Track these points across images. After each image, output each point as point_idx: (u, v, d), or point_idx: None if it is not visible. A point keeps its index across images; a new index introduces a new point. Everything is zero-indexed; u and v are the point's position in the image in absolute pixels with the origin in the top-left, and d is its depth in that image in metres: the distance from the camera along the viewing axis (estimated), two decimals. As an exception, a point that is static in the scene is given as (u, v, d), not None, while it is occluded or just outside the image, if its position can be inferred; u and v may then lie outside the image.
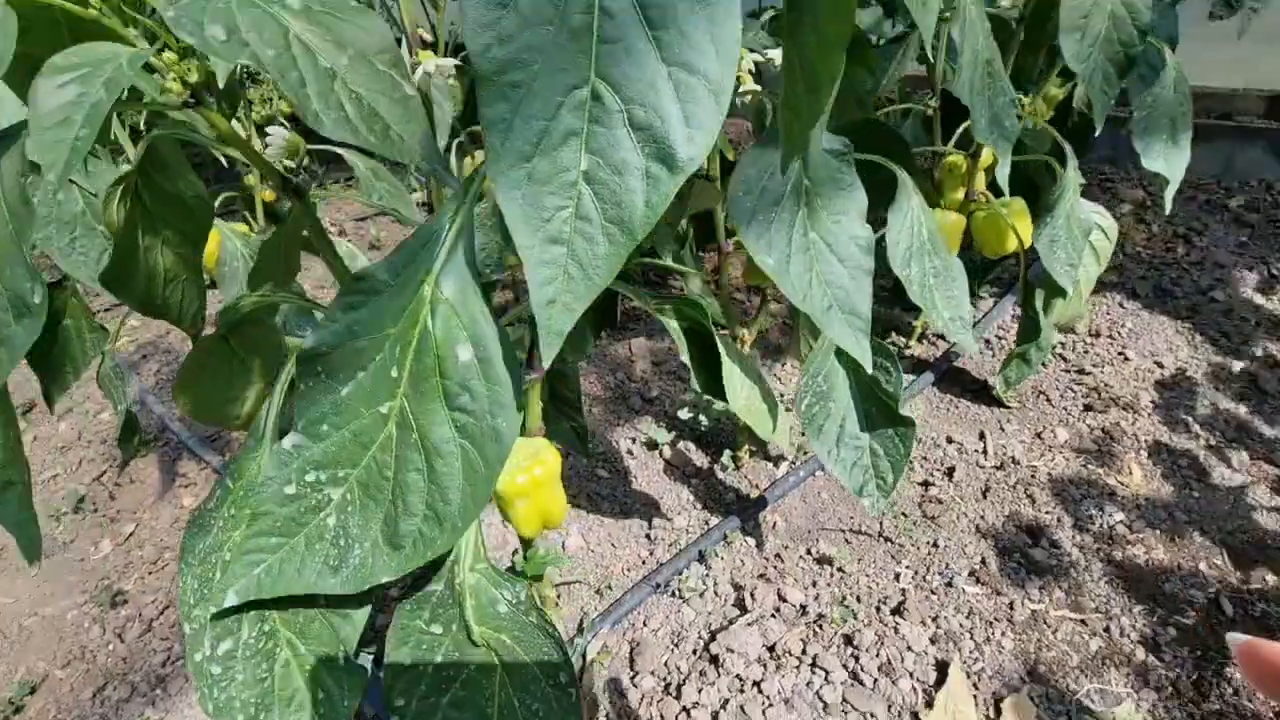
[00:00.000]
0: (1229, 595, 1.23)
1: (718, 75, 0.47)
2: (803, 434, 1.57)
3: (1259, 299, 2.02)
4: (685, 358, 0.96)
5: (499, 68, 0.46)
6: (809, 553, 1.37)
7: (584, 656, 1.19)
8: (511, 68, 0.46)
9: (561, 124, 0.48)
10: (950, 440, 1.59)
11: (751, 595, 1.25)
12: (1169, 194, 1.38)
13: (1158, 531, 1.36)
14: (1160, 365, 1.78)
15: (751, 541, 1.40)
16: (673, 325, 0.97)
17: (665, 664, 1.17)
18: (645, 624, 1.25)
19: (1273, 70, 2.58)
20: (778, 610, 1.24)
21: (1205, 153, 2.60)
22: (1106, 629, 1.20)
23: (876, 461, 1.13)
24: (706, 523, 1.45)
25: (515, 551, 1.39)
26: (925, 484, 1.50)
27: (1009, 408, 1.68)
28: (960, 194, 1.65)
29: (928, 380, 1.76)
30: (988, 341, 1.94)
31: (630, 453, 1.66)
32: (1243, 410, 1.64)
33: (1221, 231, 2.33)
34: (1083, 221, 1.39)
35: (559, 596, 1.31)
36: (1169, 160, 1.37)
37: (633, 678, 1.16)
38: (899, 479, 1.09)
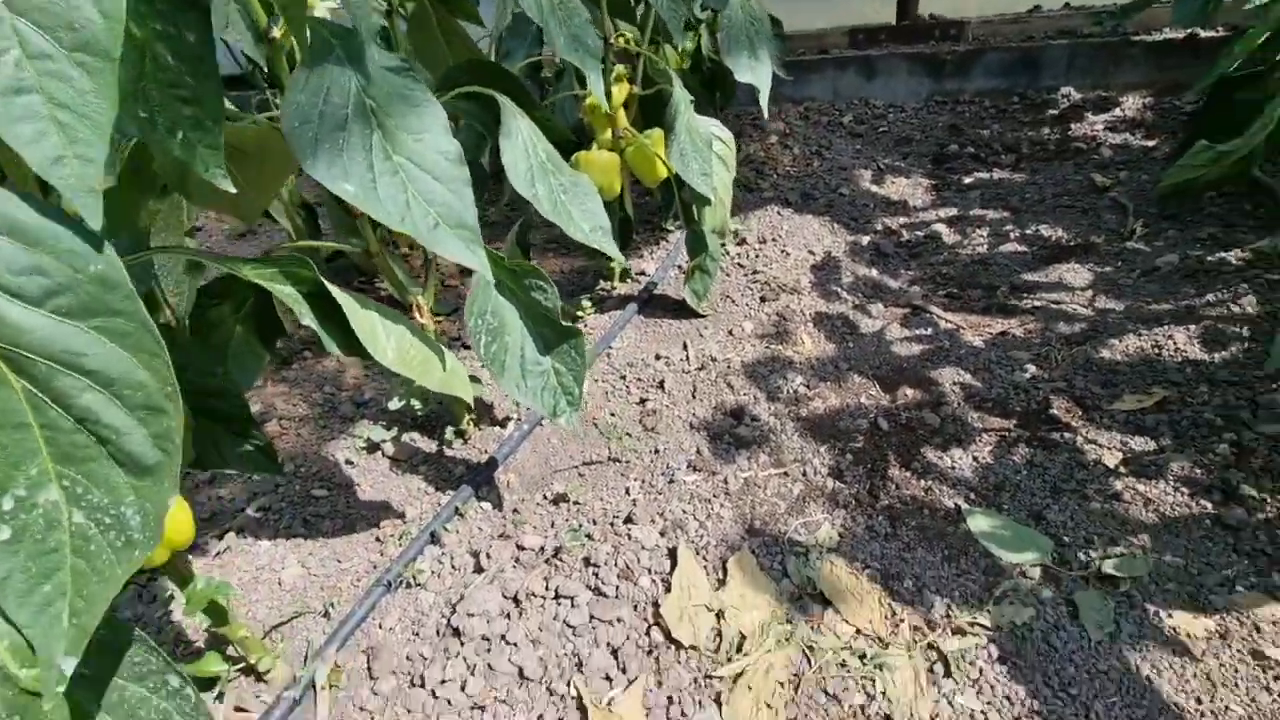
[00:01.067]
0: (883, 415, 1.46)
1: None
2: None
3: (874, 188, 2.46)
4: (310, 321, 0.88)
5: None
6: (545, 497, 1.36)
7: (313, 687, 1.05)
8: None
9: None
10: (659, 357, 1.70)
11: (488, 555, 1.21)
12: (763, 99, 1.60)
13: (828, 383, 1.57)
14: (813, 253, 2.07)
15: (488, 506, 1.36)
16: (286, 291, 0.88)
17: (406, 657, 1.08)
18: (381, 626, 1.14)
19: (848, 11, 3.16)
20: (517, 560, 1.21)
21: (819, 84, 3.11)
22: (804, 473, 1.36)
23: (561, 380, 1.14)
24: (438, 504, 1.37)
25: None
26: (642, 401, 1.57)
27: (704, 317, 1.83)
28: (609, 134, 1.75)
29: (632, 310, 1.85)
30: (681, 268, 2.10)
31: (350, 462, 1.51)
32: (874, 273, 1.97)
33: (842, 144, 2.80)
34: (702, 134, 1.55)
35: (273, 637, 1.14)
36: (755, 72, 1.58)
37: (373, 685, 1.05)
38: (583, 388, 1.12)
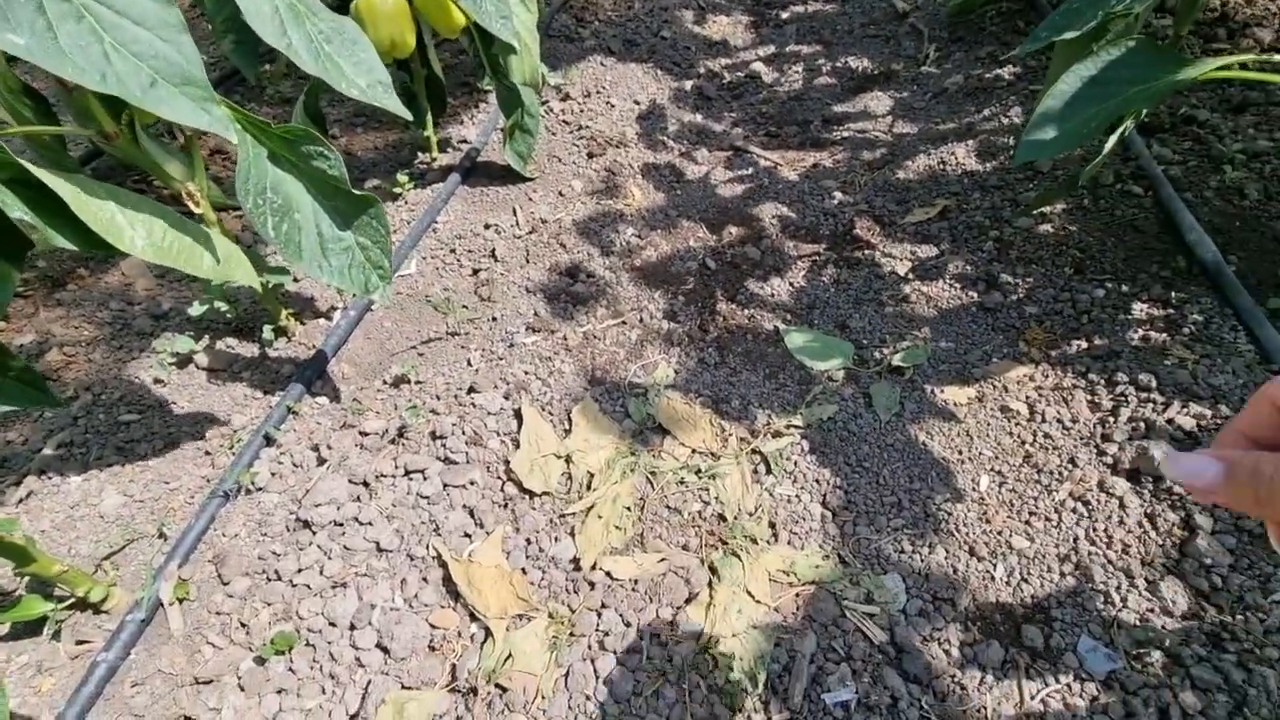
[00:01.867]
0: (710, 255, 1.52)
1: None
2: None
3: (696, 29, 2.39)
4: (21, 214, 0.75)
5: None
6: (384, 382, 1.32)
7: (161, 605, 1.01)
8: None
9: None
10: (488, 226, 1.63)
11: (329, 447, 1.18)
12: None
13: (659, 231, 1.60)
14: (638, 103, 2.02)
15: (324, 400, 1.30)
16: (-21, 176, 0.73)
17: (258, 557, 1.06)
18: (225, 535, 1.10)
19: None
20: (361, 446, 1.19)
21: (632, -87, 2.86)
22: (640, 320, 1.40)
23: (368, 254, 1.08)
24: (269, 407, 1.30)
25: None
26: (475, 272, 1.53)
27: (531, 179, 1.77)
28: (392, -25, 1.53)
29: (456, 181, 1.75)
30: (503, 130, 1.98)
31: (159, 381, 1.38)
32: (699, 118, 1.97)
33: (663, -18, 2.65)
34: (493, -32, 1.40)
35: (105, 568, 1.07)
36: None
37: (226, 589, 1.03)
38: (391, 259, 1.06)
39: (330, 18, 1.02)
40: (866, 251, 1.44)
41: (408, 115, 1.07)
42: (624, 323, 1.40)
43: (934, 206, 1.50)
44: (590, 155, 1.82)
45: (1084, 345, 1.17)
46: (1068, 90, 1.06)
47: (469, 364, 1.33)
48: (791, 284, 1.42)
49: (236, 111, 0.94)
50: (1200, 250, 1.24)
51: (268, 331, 1.39)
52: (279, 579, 1.03)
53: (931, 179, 1.59)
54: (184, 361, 1.40)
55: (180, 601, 1.02)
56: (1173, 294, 1.21)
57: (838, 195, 1.60)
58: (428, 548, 1.04)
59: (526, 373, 1.29)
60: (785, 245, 1.51)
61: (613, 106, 2.00)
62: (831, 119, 1.88)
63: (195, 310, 1.40)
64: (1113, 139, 1.16)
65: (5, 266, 1.09)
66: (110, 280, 1.64)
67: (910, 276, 1.38)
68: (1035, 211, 1.41)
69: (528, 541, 1.05)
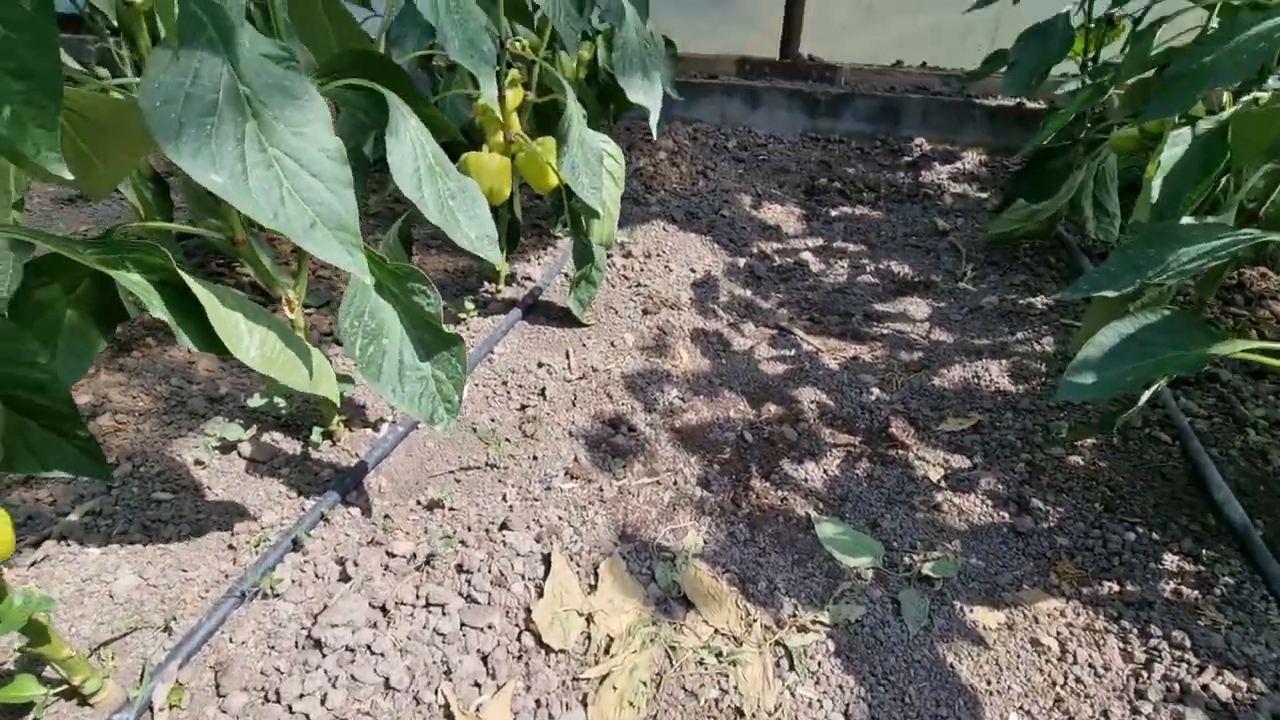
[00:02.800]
0: (749, 429, 1.57)
1: None
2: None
3: (753, 212, 2.62)
4: (161, 314, 0.82)
5: None
6: (418, 503, 1.34)
7: (150, 708, 0.97)
8: None
9: None
10: (541, 364, 1.72)
11: (355, 563, 1.18)
12: (653, 121, 1.67)
13: (702, 396, 1.67)
14: (694, 271, 2.18)
15: (357, 512, 1.31)
16: (134, 279, 0.82)
17: (260, 671, 1.03)
18: (232, 640, 1.08)
19: (735, 41, 3.33)
20: (387, 568, 1.19)
21: (708, 106, 3.25)
22: (675, 482, 1.43)
23: (440, 387, 1.14)
24: (302, 509, 1.31)
25: None
26: (523, 407, 1.59)
27: (587, 326, 1.87)
28: (501, 138, 1.74)
29: (516, 316, 1.86)
30: (567, 275, 2.13)
31: (200, 463, 1.40)
32: (748, 293, 2.11)
33: (726, 167, 2.95)
34: (594, 149, 1.59)
35: (102, 655, 1.04)
36: (647, 95, 1.65)
37: (221, 703, 0.99)
38: (462, 396, 1.12)
39: (457, 178, 1.16)
40: (901, 452, 1.49)
41: (505, 266, 1.18)
42: (659, 482, 1.43)
43: (968, 419, 1.56)
44: (645, 312, 1.94)
45: (1116, 589, 1.18)
46: (1106, 344, 1.15)
47: (504, 499, 1.35)
48: (826, 472, 1.46)
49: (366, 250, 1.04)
50: (1228, 510, 1.27)
51: (316, 434, 1.43)
52: (277, 701, 0.99)
53: (966, 391, 1.67)
54: (228, 448, 1.43)
55: (172, 708, 0.98)
56: (1203, 551, 1.23)
57: (875, 391, 1.67)
58: (436, 693, 1.01)
59: (560, 518, 1.30)
60: (822, 432, 1.56)
61: (670, 270, 2.16)
62: (872, 315, 2.01)
63: (254, 401, 1.45)
64: (1147, 393, 1.24)
65: (96, 336, 1.17)
66: (175, 355, 1.71)
67: (943, 485, 1.41)
68: (1067, 444, 1.47)
69: (537, 704, 1.02)
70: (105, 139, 0.87)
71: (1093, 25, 2.31)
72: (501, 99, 1.64)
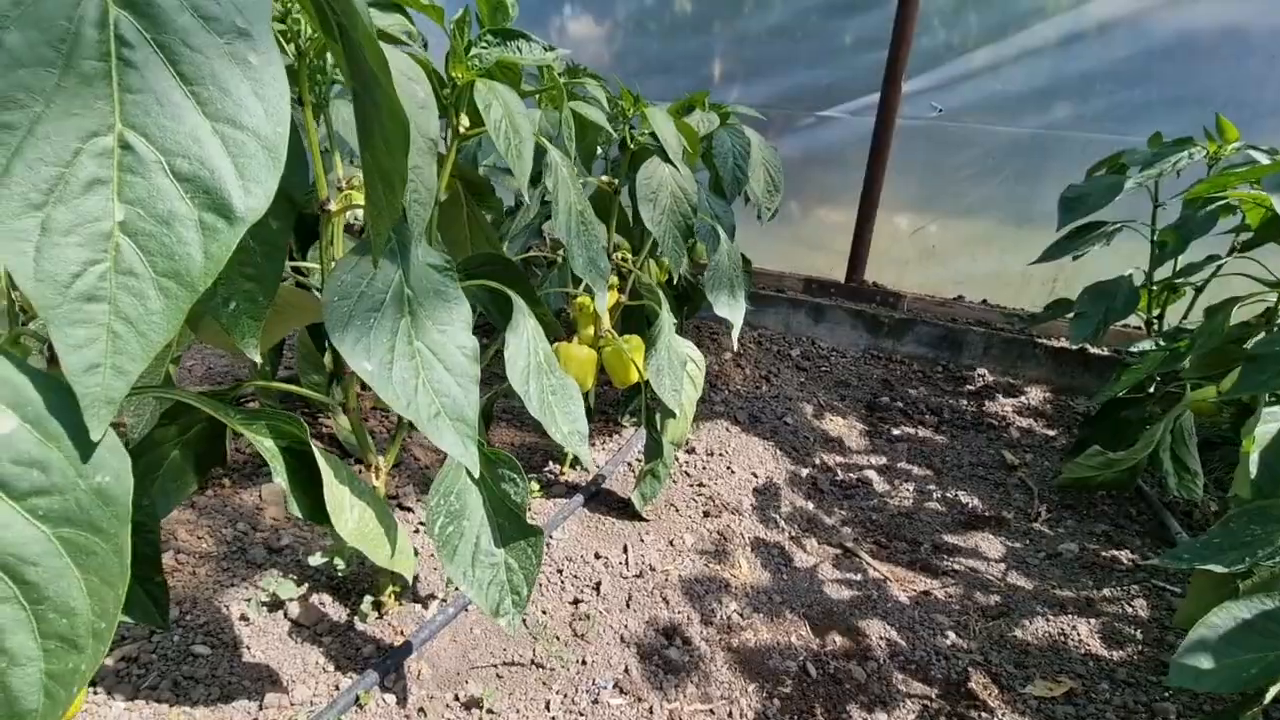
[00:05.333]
0: (811, 660, 1.46)
1: (269, 131, 0.47)
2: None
3: (815, 422, 2.65)
4: (281, 480, 0.86)
5: (-17, 105, 0.40)
6: (456, 698, 1.25)
7: None
8: (2, 107, 0.40)
9: (83, 171, 0.43)
10: (598, 556, 1.68)
11: (382, 763, 1.08)
12: (734, 334, 1.78)
13: (761, 614, 1.58)
14: (756, 475, 2.17)
15: (391, 699, 1.23)
16: (267, 444, 0.87)
17: None
18: (235, 839, 0.97)
19: (802, 261, 3.62)
20: (413, 774, 1.08)
21: (773, 316, 3.45)
22: (729, 714, 1.31)
23: (511, 576, 1.12)
24: (336, 687, 1.24)
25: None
26: (576, 601, 1.52)
27: (647, 520, 1.85)
28: (591, 331, 1.88)
29: (578, 502, 1.86)
30: (630, 465, 2.15)
31: (245, 618, 1.37)
32: (810, 506, 2.07)
33: (789, 374, 3.05)
34: (679, 354, 1.68)
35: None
36: (731, 309, 1.77)
37: None
38: (532, 590, 1.09)
39: (560, 375, 1.23)
40: (984, 715, 1.34)
41: (590, 461, 1.20)
42: (712, 712, 1.31)
43: (1058, 684, 1.42)
44: (706, 514, 1.91)
45: None
46: (1221, 626, 1.06)
47: (547, 708, 1.25)
48: (899, 726, 1.31)
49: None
50: None
51: (366, 603, 1.39)
52: None
53: (1052, 649, 1.53)
54: (276, 605, 1.40)
55: None
56: None
57: (951, 635, 1.55)
58: None
59: (604, 742, 1.19)
60: (893, 676, 1.43)
61: (733, 472, 2.16)
62: (942, 547, 1.92)
63: (314, 560, 1.44)
64: (1273, 691, 1.11)
65: (192, 478, 1.21)
66: (246, 499, 1.75)
67: (1035, 764, 1.25)
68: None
69: None
70: (276, 317, 0.98)
71: (1155, 287, 2.43)
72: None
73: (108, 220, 0.44)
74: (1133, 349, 2.05)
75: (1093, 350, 3.01)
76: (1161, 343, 1.95)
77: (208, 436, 1.18)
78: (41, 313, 0.43)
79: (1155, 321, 2.37)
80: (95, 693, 1.18)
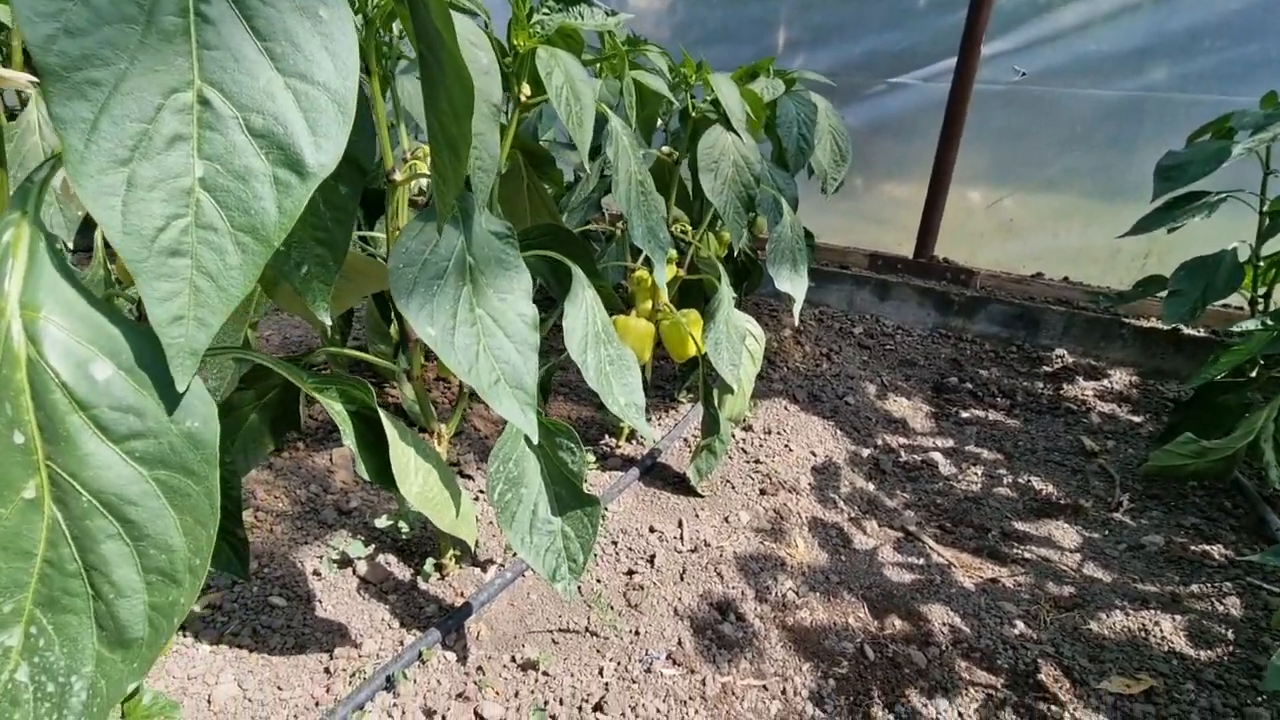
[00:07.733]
0: (869, 642, 1.43)
1: (339, 86, 0.47)
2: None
3: (877, 402, 2.57)
4: (350, 443, 0.89)
5: (70, 63, 0.41)
6: (513, 660, 1.28)
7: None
8: (88, 64, 0.42)
9: (165, 127, 0.44)
10: (653, 530, 1.68)
11: (442, 718, 1.12)
12: (796, 309, 1.73)
13: (818, 594, 1.55)
14: (814, 454, 2.13)
15: (452, 656, 1.28)
16: (336, 408, 0.90)
17: (329, 824, 0.97)
18: (308, 778, 1.03)
19: (867, 236, 3.49)
20: (472, 729, 1.12)
21: (836, 293, 3.35)
22: (783, 690, 1.30)
23: (568, 544, 1.13)
24: (401, 643, 1.29)
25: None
26: (630, 572, 1.53)
27: (702, 496, 1.84)
28: (649, 305, 1.86)
29: (634, 475, 1.86)
30: (686, 440, 2.14)
31: (317, 573, 1.44)
32: (871, 487, 2.01)
33: (851, 352, 2.97)
34: (738, 328, 1.65)
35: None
36: (793, 284, 1.72)
37: None
38: (588, 559, 1.10)
39: (618, 346, 1.22)
40: (1054, 708, 1.28)
41: (648, 433, 1.20)
42: (765, 687, 1.30)
43: (1137, 681, 1.34)
44: (762, 492, 1.88)
45: None
46: (1330, 629, 0.98)
47: (601, 674, 1.27)
48: (960, 714, 1.27)
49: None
50: None
51: (429, 564, 1.44)
52: None
53: (1131, 645, 1.45)
54: (345, 563, 1.47)
55: None
56: None
57: (1019, 625, 1.49)
58: None
59: (658, 711, 1.20)
60: (956, 663, 1.38)
61: (790, 450, 2.12)
62: (1012, 534, 1.84)
63: (381, 522, 1.50)
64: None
65: (269, 440, 1.27)
66: (319, 462, 1.83)
67: (1109, 762, 1.19)
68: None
69: None
70: (346, 284, 1.01)
71: (1262, 263, 2.23)
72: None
73: (188, 176, 0.46)
74: (1234, 329, 1.89)
75: (1187, 331, 2.79)
76: (1269, 322, 1.79)
77: (283, 401, 1.23)
78: (129, 266, 0.45)
79: (1260, 300, 2.18)
80: (184, 635, 1.26)
